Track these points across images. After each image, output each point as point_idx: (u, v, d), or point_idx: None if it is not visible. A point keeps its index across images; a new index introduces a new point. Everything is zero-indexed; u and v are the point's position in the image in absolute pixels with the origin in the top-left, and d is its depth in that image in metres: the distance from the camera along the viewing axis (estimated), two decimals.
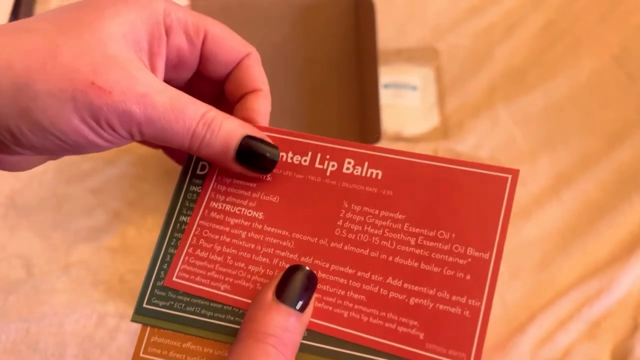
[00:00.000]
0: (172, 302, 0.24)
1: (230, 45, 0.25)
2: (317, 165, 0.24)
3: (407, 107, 0.56)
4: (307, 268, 0.22)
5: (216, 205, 0.25)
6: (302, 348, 0.22)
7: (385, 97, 0.56)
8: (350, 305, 0.22)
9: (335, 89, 0.50)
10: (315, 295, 0.22)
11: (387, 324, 0.21)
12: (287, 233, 0.24)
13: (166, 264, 0.24)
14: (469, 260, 0.22)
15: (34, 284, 0.46)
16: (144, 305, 0.24)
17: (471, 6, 0.61)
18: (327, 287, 0.22)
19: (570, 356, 0.43)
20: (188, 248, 0.25)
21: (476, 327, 0.20)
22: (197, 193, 0.25)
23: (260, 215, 0.24)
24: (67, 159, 0.52)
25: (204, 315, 0.23)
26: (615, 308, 0.44)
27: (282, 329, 0.20)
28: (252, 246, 0.24)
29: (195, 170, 0.26)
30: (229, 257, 0.24)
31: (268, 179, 0.25)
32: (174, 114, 0.21)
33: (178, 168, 0.51)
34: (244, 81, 0.26)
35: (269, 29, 0.50)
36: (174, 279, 0.24)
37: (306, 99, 0.50)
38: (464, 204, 0.22)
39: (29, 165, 0.24)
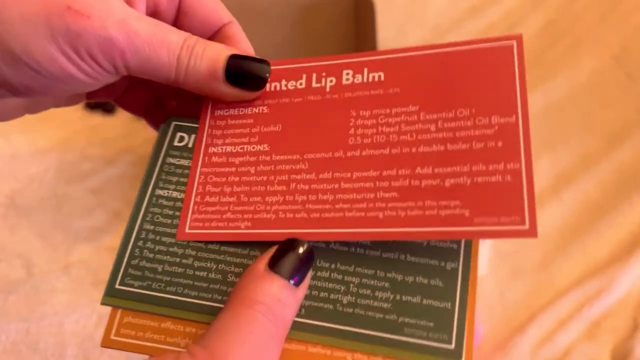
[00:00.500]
0: (150, 282, 0.22)
1: (211, 7, 0.24)
2: (314, 84, 0.23)
3: None
4: (306, 242, 0.20)
5: (216, 150, 0.24)
6: (299, 327, 0.21)
7: None
8: (383, 205, 0.21)
9: None
10: (343, 207, 0.21)
11: (427, 212, 0.20)
12: (298, 156, 0.23)
13: (141, 241, 0.23)
14: (496, 127, 0.21)
15: (34, 284, 0.45)
16: (117, 286, 0.22)
17: (471, 6, 0.61)
18: (354, 195, 0.21)
19: (570, 356, 0.43)
20: (195, 197, 0.23)
21: (522, 188, 0.20)
22: (174, 165, 0.24)
23: (265, 147, 0.23)
24: (67, 159, 0.52)
25: (187, 295, 0.22)
26: (615, 308, 0.44)
27: (273, 298, 0.19)
28: (265, 178, 0.23)
29: (172, 141, 0.25)
30: (242, 195, 0.23)
31: (265, 110, 0.24)
32: (157, 40, 0.20)
33: None
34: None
35: (269, 29, 0.50)
36: (187, 230, 0.23)
37: None
38: (475, 80, 0.22)
39: (6, 115, 0.22)
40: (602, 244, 0.47)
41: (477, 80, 0.22)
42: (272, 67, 0.24)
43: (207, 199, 0.23)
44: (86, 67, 0.19)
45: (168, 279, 0.22)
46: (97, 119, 0.56)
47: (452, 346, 0.20)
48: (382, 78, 0.23)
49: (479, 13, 0.61)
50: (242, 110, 0.24)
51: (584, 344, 0.43)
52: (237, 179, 0.23)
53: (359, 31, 0.50)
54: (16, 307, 0.45)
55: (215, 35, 0.24)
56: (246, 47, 0.24)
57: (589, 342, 0.43)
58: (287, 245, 0.20)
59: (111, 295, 0.22)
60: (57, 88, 0.20)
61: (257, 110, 0.24)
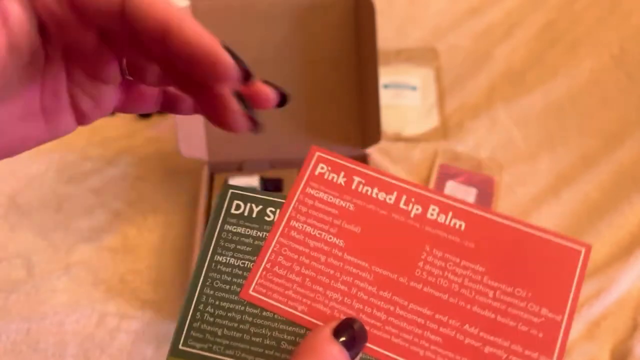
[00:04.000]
0: (211, 345, 0.24)
1: None
2: (401, 205, 0.25)
3: (407, 107, 0.56)
4: (363, 324, 0.23)
5: (297, 225, 0.25)
6: None
7: (385, 97, 0.56)
8: (427, 345, 0.23)
9: (335, 89, 0.50)
10: (391, 331, 0.23)
11: None
12: (367, 265, 0.24)
13: (202, 305, 0.25)
14: (543, 319, 0.23)
15: (35, 284, 0.46)
16: (180, 347, 0.24)
17: (471, 7, 0.62)
18: (405, 324, 0.23)
19: (570, 356, 0.43)
20: (266, 263, 0.25)
21: None
22: (232, 232, 0.26)
23: (341, 242, 0.25)
24: (67, 159, 0.52)
25: (245, 359, 0.23)
26: (615, 308, 0.44)
27: (332, 356, 0.21)
28: (331, 272, 0.24)
29: (229, 209, 0.26)
30: (307, 279, 0.24)
31: (351, 208, 0.25)
32: None
33: (179, 168, 0.51)
34: (147, 21, 0.18)
35: (269, 29, 0.50)
36: (251, 292, 0.24)
37: (306, 99, 0.50)
38: (540, 267, 0.24)
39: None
40: (601, 244, 0.47)
41: (542, 270, 0.24)
42: (371, 173, 0.26)
43: (276, 269, 0.25)
44: None
45: (227, 342, 0.24)
46: (98, 119, 0.56)
47: None
48: (463, 228, 0.25)
49: (479, 14, 0.61)
50: (331, 198, 0.26)
51: (583, 344, 0.43)
52: (307, 261, 0.25)
53: (359, 31, 0.50)
54: (17, 307, 0.45)
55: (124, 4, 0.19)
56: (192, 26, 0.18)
57: (589, 342, 0.43)
58: (350, 321, 0.23)
59: (175, 355, 0.24)
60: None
61: (344, 205, 0.25)
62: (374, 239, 0.25)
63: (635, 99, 0.55)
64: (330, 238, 0.25)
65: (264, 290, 0.24)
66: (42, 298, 0.45)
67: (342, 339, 0.22)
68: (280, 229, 0.25)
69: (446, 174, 0.51)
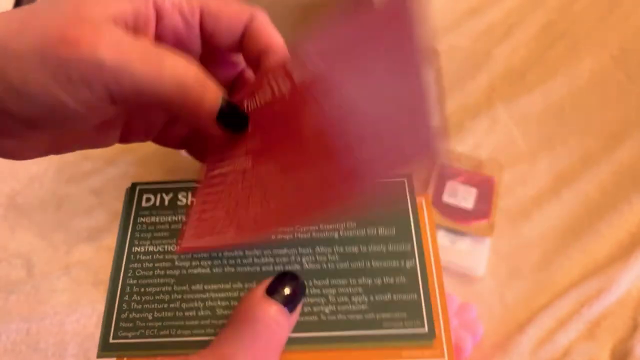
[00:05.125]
0: (143, 330, 0.24)
1: (228, 14, 0.24)
2: None
3: None
4: (298, 276, 0.23)
5: (215, 173, 0.26)
6: (291, 342, 0.23)
7: None
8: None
9: None
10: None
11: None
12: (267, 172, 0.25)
13: (127, 295, 0.25)
14: None
15: (35, 284, 0.46)
16: (111, 341, 0.24)
17: (470, 7, 0.62)
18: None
19: (570, 356, 0.43)
20: (193, 215, 0.26)
21: None
22: (146, 223, 0.27)
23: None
24: (67, 159, 0.52)
25: (181, 335, 0.23)
26: (615, 308, 0.44)
27: (272, 319, 0.21)
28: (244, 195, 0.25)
29: (140, 203, 0.27)
30: (230, 210, 0.25)
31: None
32: (151, 62, 0.20)
33: (179, 168, 0.51)
34: (254, 45, 0.25)
35: None
36: (184, 244, 0.25)
37: None
38: None
39: (25, 153, 0.23)
40: (601, 244, 0.47)
41: None
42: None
43: (203, 216, 0.25)
44: (79, 94, 0.19)
45: (159, 324, 0.24)
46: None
47: (426, 329, 0.23)
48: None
49: (479, 13, 0.61)
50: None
51: (583, 344, 0.43)
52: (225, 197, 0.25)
53: None
54: (16, 307, 0.45)
55: (244, 36, 0.25)
56: (276, 39, 0.25)
57: (589, 342, 0.43)
58: (283, 276, 0.22)
59: (106, 350, 0.24)
60: (55, 119, 0.20)
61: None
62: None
63: (635, 99, 0.55)
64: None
65: (196, 235, 0.25)
66: (42, 298, 0.45)
67: (278, 295, 0.22)
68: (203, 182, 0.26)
69: (446, 174, 0.51)
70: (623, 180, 0.50)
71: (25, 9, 0.20)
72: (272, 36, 0.26)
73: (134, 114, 0.25)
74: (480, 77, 0.57)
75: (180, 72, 0.20)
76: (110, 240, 0.48)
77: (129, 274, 0.26)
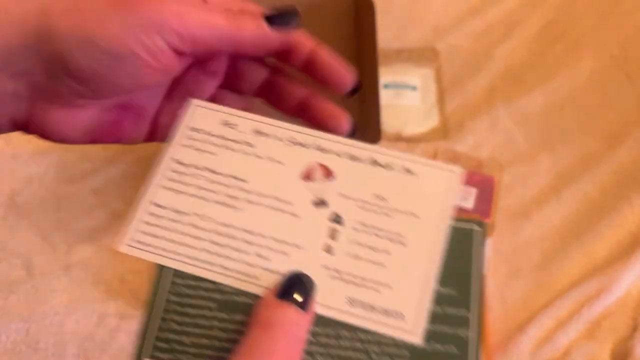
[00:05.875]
0: (179, 354, 0.24)
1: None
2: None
3: (407, 107, 0.56)
4: (306, 274, 0.22)
5: None
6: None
7: (385, 97, 0.56)
8: None
9: None
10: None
11: None
12: None
13: (167, 313, 0.24)
14: None
15: (35, 284, 0.46)
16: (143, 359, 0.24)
17: (471, 6, 0.61)
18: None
19: (570, 356, 0.43)
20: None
21: None
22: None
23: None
24: (67, 159, 0.52)
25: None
26: (615, 308, 0.44)
27: (290, 322, 0.21)
28: None
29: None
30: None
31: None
32: (205, 10, 0.23)
33: None
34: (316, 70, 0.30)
35: None
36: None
37: None
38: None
39: (74, 131, 0.25)
40: (601, 244, 0.47)
41: None
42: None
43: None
44: (149, 43, 0.22)
45: (196, 351, 0.24)
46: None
47: None
48: None
49: (479, 13, 0.61)
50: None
51: (583, 344, 0.43)
52: None
53: (359, 31, 0.50)
54: (16, 307, 0.45)
55: (309, 63, 0.29)
56: (341, 67, 0.29)
57: (589, 342, 0.43)
58: (291, 277, 0.22)
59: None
60: (123, 74, 0.22)
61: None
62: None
63: (635, 99, 0.55)
64: None
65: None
66: (41, 298, 0.45)
67: (291, 297, 0.21)
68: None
69: None
70: (623, 180, 0.50)
71: None
72: (340, 64, 0.30)
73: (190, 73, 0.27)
74: (480, 77, 0.57)
75: (254, 29, 0.25)
76: (110, 240, 0.48)
77: (172, 290, 0.25)
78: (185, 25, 0.22)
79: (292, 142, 0.23)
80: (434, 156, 0.53)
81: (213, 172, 0.23)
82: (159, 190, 0.23)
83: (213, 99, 0.28)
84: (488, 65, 0.57)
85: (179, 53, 0.23)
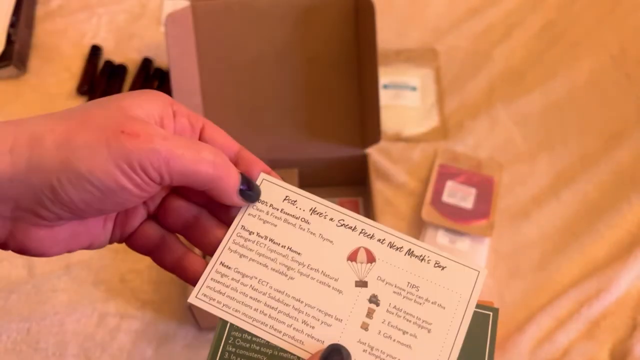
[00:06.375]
0: None
1: (225, 137, 0.28)
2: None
3: (406, 107, 0.56)
4: (344, 346, 0.24)
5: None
6: None
7: (385, 97, 0.56)
8: None
9: (335, 89, 0.50)
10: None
11: None
12: None
13: None
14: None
15: (35, 284, 0.46)
16: None
17: (470, 7, 0.62)
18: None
19: (569, 355, 0.43)
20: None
21: None
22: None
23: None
24: None
25: None
26: (614, 308, 0.44)
27: None
28: None
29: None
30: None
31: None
32: (192, 149, 0.24)
33: None
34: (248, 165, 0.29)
35: (269, 29, 0.50)
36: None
37: (306, 99, 0.50)
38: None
39: (52, 247, 0.26)
40: (600, 244, 0.47)
41: None
42: None
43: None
44: (136, 178, 0.23)
45: None
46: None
47: None
48: None
49: (478, 14, 0.61)
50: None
51: (583, 344, 0.43)
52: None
53: (359, 32, 0.50)
54: (17, 307, 0.45)
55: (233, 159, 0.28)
56: (262, 166, 0.28)
57: (588, 342, 0.43)
58: (333, 348, 0.24)
59: None
60: (109, 202, 0.24)
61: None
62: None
63: (634, 99, 0.55)
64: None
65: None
66: (42, 298, 0.45)
67: None
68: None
69: (446, 174, 0.51)
70: (622, 180, 0.51)
71: (76, 109, 0.24)
72: (262, 165, 0.29)
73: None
74: (480, 77, 0.57)
75: (213, 157, 0.25)
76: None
77: (230, 341, 0.28)
78: (174, 166, 0.24)
79: (343, 224, 0.27)
80: (434, 156, 0.53)
81: (273, 241, 0.26)
82: (226, 252, 0.26)
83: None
84: (487, 65, 0.58)
85: (163, 184, 0.25)
